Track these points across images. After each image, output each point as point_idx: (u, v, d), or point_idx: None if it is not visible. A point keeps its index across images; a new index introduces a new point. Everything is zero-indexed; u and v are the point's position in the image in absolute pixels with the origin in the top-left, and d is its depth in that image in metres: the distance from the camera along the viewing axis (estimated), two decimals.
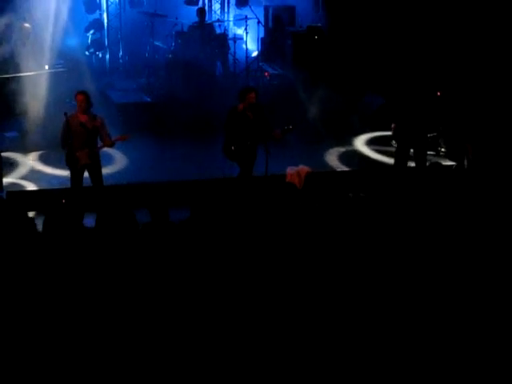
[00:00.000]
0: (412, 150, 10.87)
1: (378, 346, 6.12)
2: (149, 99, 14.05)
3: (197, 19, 15.13)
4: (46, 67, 13.35)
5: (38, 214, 8.31)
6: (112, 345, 6.05)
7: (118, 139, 10.08)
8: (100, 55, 15.29)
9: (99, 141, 10.04)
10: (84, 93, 9.89)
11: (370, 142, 13.35)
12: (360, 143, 13.32)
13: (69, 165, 9.94)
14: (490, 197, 8.11)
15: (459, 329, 6.28)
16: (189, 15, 15.41)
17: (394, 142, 11.92)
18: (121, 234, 7.24)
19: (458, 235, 7.26)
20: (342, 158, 12.59)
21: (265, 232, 7.31)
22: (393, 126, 10.92)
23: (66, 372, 5.87)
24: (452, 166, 11.75)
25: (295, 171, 10.26)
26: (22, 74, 12.98)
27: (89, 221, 8.41)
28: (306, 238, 7.15)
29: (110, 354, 5.99)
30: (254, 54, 15.70)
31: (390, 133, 11.59)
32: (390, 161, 11.80)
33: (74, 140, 9.74)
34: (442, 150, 12.68)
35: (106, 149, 10.32)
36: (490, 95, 12.26)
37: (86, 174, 10.12)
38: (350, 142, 13.30)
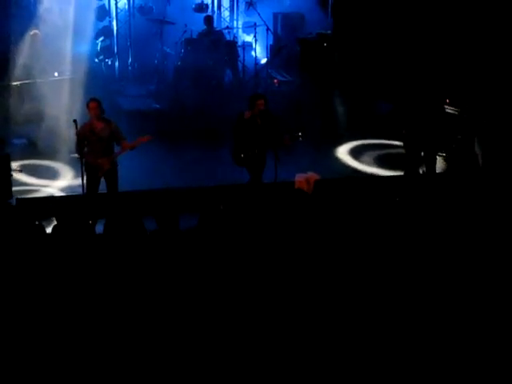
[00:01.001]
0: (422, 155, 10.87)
1: (380, 346, 6.11)
2: (158, 106, 14.06)
3: (205, 26, 15.18)
4: (56, 74, 13.40)
5: (47, 221, 8.29)
6: (118, 350, 6.05)
7: (140, 141, 10.00)
8: (109, 62, 15.31)
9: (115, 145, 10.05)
10: (96, 100, 9.87)
11: (379, 149, 13.31)
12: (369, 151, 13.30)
13: (88, 172, 9.89)
14: (501, 202, 8.10)
15: (459, 329, 6.27)
16: (198, 22, 15.43)
17: (404, 148, 11.87)
18: (128, 241, 7.24)
19: (465, 241, 7.25)
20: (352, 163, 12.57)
21: (273, 239, 7.29)
22: (403, 132, 10.89)
23: (69, 372, 5.88)
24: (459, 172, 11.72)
25: (304, 178, 10.24)
26: (31, 81, 13.03)
27: (99, 227, 8.44)
28: (315, 245, 7.13)
29: (116, 358, 5.99)
30: (263, 61, 15.71)
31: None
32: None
33: (92, 147, 9.77)
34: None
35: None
36: (498, 100, 12.23)
37: None
38: (358, 149, 13.27)
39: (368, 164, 12.71)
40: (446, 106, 11.71)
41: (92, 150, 9.83)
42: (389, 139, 13.27)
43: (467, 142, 12.02)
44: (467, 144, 12.01)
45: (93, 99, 9.90)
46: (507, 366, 5.95)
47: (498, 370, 5.95)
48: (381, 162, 12.76)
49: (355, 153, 13.09)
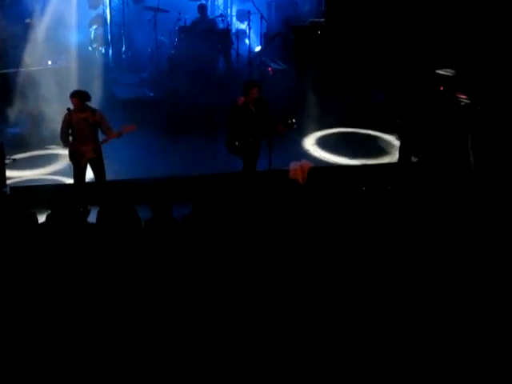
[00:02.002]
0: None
1: (379, 346, 6.12)
2: (152, 94, 14.04)
3: (198, 15, 15.14)
4: (49, 62, 13.36)
5: (41, 210, 8.28)
6: (113, 340, 6.06)
7: (124, 130, 10.06)
8: (103, 50, 15.26)
9: (100, 135, 10.06)
10: (76, 95, 9.84)
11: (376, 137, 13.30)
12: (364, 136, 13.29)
13: (72, 160, 9.96)
14: (494, 196, 8.13)
15: (459, 329, 6.29)
16: (192, 10, 15.37)
17: (397, 137, 11.89)
18: (122, 230, 7.24)
19: (458, 233, 7.27)
20: (346, 151, 12.54)
21: (267, 227, 7.30)
22: (397, 122, 10.90)
23: (66, 367, 5.88)
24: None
25: (298, 166, 10.24)
26: (24, 70, 12.99)
27: (92, 216, 8.44)
28: (309, 234, 7.14)
29: (110, 350, 6.00)
30: (257, 49, 15.68)
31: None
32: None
33: (76, 135, 9.78)
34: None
35: (107, 144, 10.29)
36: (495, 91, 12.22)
37: None
38: (354, 137, 13.27)
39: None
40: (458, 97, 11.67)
41: (75, 138, 9.84)
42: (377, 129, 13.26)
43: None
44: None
45: (72, 95, 9.85)
46: (507, 366, 5.97)
47: (498, 369, 5.96)
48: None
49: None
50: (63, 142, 9.93)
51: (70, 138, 9.85)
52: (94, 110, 9.97)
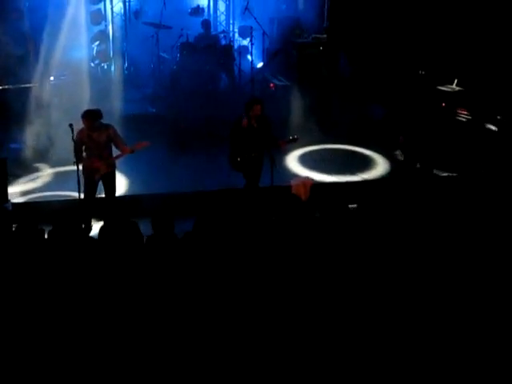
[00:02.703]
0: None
1: (377, 347, 6.12)
2: (154, 110, 14.06)
3: (202, 30, 15.19)
4: (51, 78, 13.39)
5: (43, 226, 8.27)
6: (114, 353, 6.05)
7: (137, 146, 10.02)
8: (105, 66, 15.31)
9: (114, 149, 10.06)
10: (87, 116, 9.77)
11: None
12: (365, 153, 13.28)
13: (85, 175, 9.90)
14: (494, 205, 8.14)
15: (458, 328, 6.29)
16: (194, 26, 15.44)
17: (400, 153, 11.89)
18: (124, 246, 7.23)
19: (460, 243, 7.28)
20: (350, 167, 12.53)
21: (270, 243, 7.29)
22: (401, 138, 10.91)
23: (66, 373, 5.89)
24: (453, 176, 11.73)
25: (300, 182, 10.23)
26: (26, 85, 13.02)
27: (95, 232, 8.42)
28: (312, 250, 7.13)
29: (111, 361, 6.00)
30: (259, 65, 15.72)
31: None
32: None
33: (90, 152, 9.84)
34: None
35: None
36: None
37: None
38: (356, 154, 13.27)
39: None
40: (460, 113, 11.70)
41: (90, 154, 9.88)
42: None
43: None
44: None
45: (85, 116, 9.77)
46: (507, 366, 5.96)
47: (498, 369, 5.96)
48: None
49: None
50: (77, 159, 9.72)
51: (84, 154, 9.85)
52: (107, 126, 9.95)
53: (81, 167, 9.84)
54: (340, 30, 14.75)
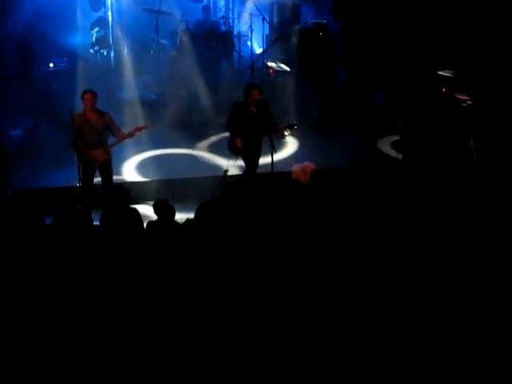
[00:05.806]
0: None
1: (376, 347, 6.12)
2: (154, 96, 14.04)
3: (202, 16, 15.14)
4: (51, 65, 13.37)
5: (44, 212, 8.26)
6: (115, 340, 6.07)
7: (136, 130, 10.02)
8: (105, 53, 15.26)
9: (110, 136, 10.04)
10: (92, 92, 9.86)
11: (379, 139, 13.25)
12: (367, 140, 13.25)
13: (83, 164, 9.75)
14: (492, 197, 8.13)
15: (458, 328, 6.29)
16: (194, 12, 15.37)
17: (400, 138, 11.87)
18: (125, 232, 7.24)
19: (459, 231, 7.28)
20: (348, 154, 12.50)
21: (269, 230, 7.30)
22: (400, 123, 10.89)
23: (68, 367, 5.90)
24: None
25: (301, 168, 10.24)
26: (26, 73, 13.00)
27: (96, 218, 8.44)
28: (311, 236, 7.14)
29: (112, 350, 6.01)
30: (259, 51, 15.67)
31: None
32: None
33: (86, 139, 9.75)
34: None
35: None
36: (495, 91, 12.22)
37: None
38: (355, 139, 13.23)
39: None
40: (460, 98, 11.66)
41: (86, 141, 9.79)
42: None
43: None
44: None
45: (88, 91, 9.88)
46: (507, 366, 5.96)
47: (498, 369, 5.96)
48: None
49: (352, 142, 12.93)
50: (73, 146, 9.69)
51: (80, 143, 9.76)
52: (103, 113, 9.93)
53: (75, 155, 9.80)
54: (341, 16, 14.72)
